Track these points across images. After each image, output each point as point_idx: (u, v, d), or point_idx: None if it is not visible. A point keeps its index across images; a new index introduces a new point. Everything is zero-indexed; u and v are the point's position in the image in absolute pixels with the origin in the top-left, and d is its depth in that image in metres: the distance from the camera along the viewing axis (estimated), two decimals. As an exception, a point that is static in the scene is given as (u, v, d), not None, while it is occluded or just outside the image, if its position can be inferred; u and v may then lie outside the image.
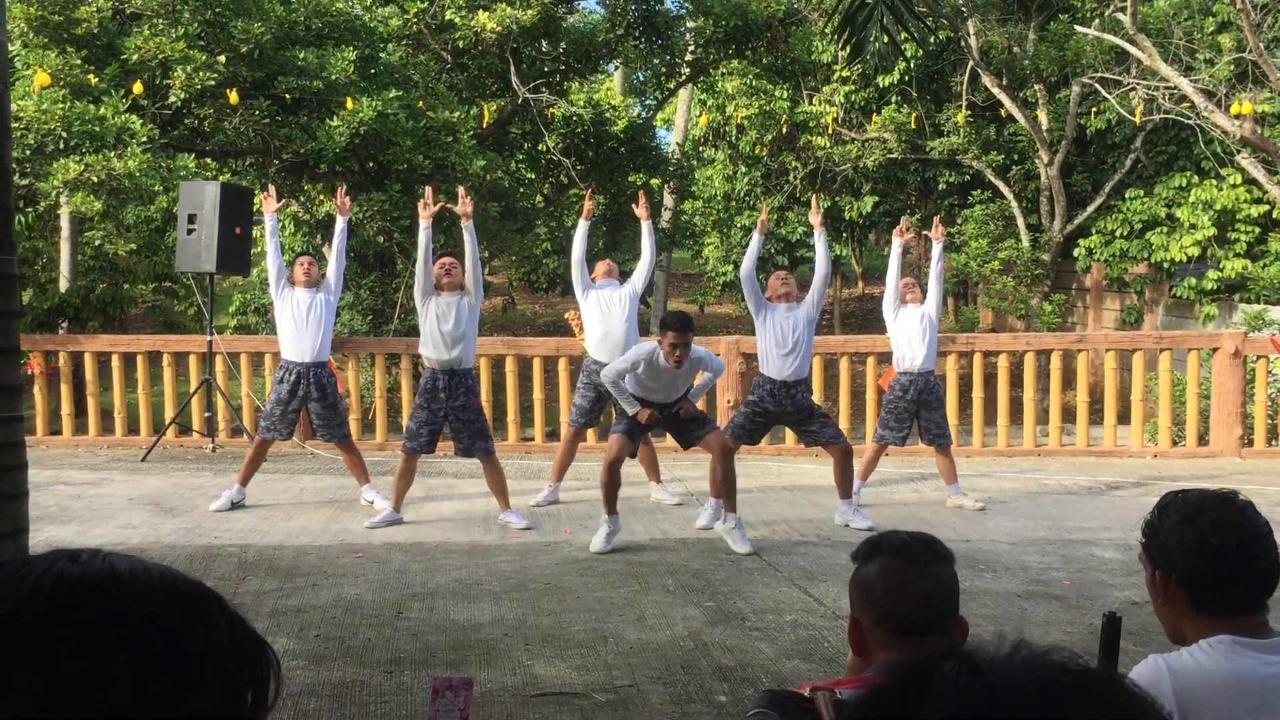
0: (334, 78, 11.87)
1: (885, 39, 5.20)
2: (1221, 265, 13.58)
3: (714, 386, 8.97)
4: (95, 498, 8.76)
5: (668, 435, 7.84)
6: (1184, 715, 2.07)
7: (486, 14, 14.00)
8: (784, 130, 16.92)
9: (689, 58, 16.42)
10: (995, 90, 14.83)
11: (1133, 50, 12.73)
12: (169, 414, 11.28)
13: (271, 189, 8.77)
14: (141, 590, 0.92)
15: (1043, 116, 14.89)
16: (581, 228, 8.42)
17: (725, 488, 7.17)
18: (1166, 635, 2.27)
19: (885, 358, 11.73)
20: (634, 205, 8.59)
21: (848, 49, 5.23)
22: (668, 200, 18.75)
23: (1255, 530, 2.18)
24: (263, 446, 8.46)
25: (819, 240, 8.34)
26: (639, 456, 8.58)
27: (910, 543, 2.42)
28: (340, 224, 8.46)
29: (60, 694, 0.87)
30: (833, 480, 7.99)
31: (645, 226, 8.45)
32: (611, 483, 7.09)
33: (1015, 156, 15.69)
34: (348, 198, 8.66)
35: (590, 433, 10.03)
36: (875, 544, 2.46)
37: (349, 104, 11.58)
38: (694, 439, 7.33)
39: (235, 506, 8.32)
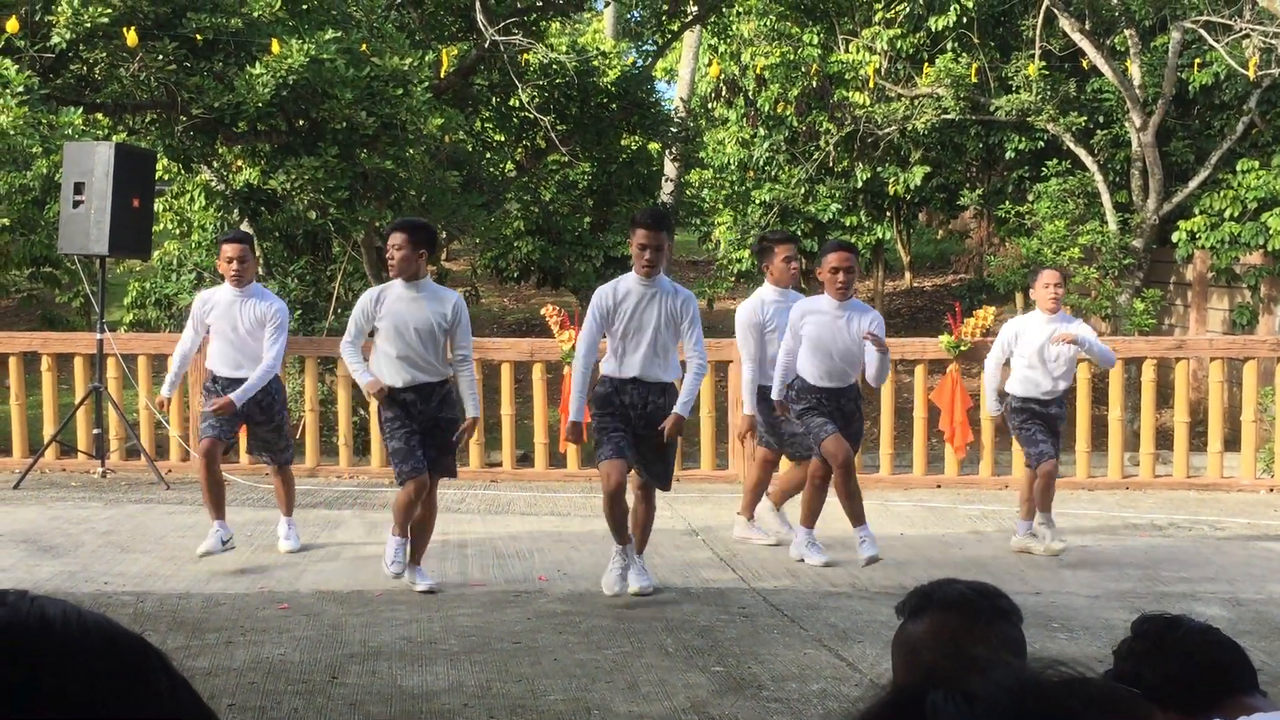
0: (256, 15, 11.89)
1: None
2: (1354, 255, 13.64)
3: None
4: (-44, 533, 8.76)
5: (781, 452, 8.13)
6: None
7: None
8: (814, 84, 16.96)
9: (697, -7, 16.49)
10: (1076, 36, 14.88)
11: (1246, -12, 12.77)
12: (49, 430, 11.28)
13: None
14: (75, 640, 0.95)
15: (1134, 69, 14.94)
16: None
17: (624, 528, 7.34)
18: None
19: (937, 366, 11.77)
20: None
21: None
22: (670, 169, 18.79)
23: (1183, 620, 2.73)
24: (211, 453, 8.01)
25: None
26: (762, 478, 8.81)
27: (968, 595, 2.45)
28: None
29: None
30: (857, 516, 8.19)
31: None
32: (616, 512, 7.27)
33: (1100, 119, 15.73)
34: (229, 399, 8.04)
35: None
36: (926, 596, 2.48)
37: (275, 47, 11.60)
38: (650, 474, 7.43)
39: (226, 546, 8.03)
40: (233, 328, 8.12)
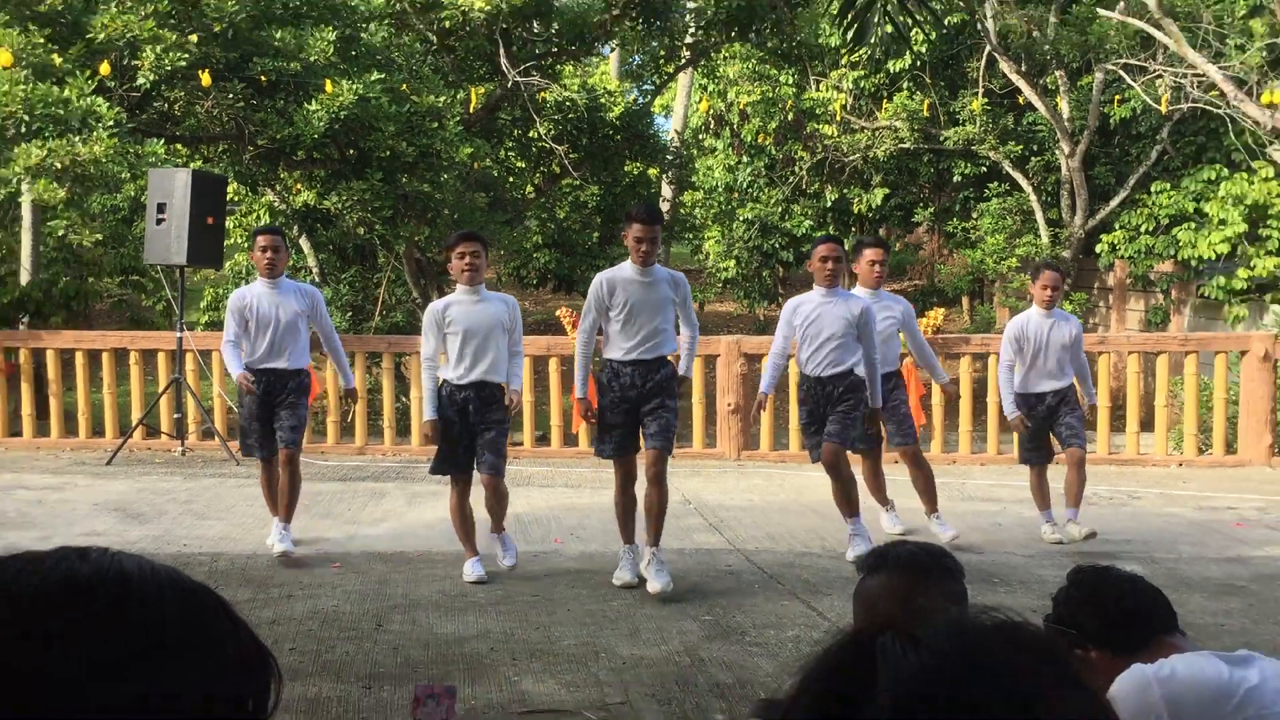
0: (312, 59, 11.89)
1: (889, 27, 5.13)
2: (1252, 264, 13.61)
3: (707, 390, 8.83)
4: (57, 503, 8.77)
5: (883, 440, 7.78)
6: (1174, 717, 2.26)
7: (475, -8, 14.00)
8: (789, 118, 16.95)
9: (689, 40, 16.46)
10: (1013, 77, 14.88)
11: (1159, 35, 12.76)
12: (136, 415, 11.30)
13: None
14: (151, 590, 0.97)
15: (1063, 105, 14.93)
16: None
17: (631, 522, 6.82)
18: None
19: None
20: None
21: (850, 35, 5.21)
22: (666, 191, 18.78)
23: (1112, 570, 2.75)
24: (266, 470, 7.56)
25: None
26: (864, 473, 7.91)
27: (918, 555, 2.46)
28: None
29: (63, 691, 0.90)
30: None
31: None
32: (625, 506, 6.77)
33: (1034, 147, 15.73)
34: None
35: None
36: (881, 555, 2.50)
37: (328, 87, 11.60)
38: (648, 437, 6.73)
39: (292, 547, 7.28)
40: (274, 321, 7.37)
